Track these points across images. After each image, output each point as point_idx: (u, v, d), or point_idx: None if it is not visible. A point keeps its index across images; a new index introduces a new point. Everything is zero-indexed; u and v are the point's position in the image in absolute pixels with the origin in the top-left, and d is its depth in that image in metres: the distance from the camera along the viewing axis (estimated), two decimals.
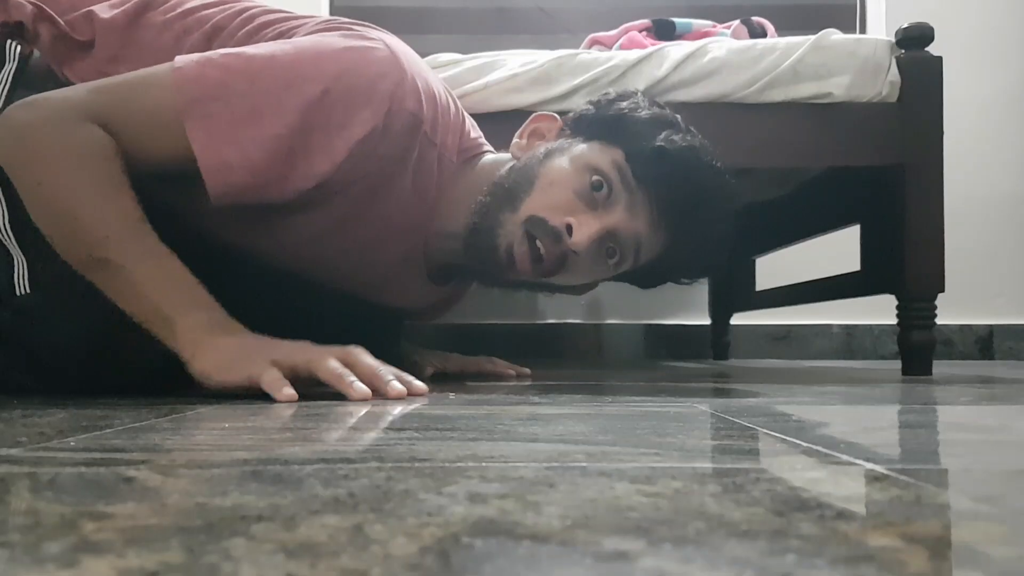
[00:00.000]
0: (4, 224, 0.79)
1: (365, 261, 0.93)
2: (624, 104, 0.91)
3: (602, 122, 0.90)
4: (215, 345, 0.73)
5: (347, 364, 0.73)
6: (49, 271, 0.78)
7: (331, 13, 2.32)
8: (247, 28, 0.91)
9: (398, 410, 0.63)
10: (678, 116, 0.93)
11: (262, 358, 0.72)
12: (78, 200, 0.74)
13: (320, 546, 0.23)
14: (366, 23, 0.90)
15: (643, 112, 0.90)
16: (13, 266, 0.78)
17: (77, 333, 0.76)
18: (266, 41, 0.88)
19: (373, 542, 0.24)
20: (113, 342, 0.77)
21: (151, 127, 0.77)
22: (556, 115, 0.96)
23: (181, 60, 0.79)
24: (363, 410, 0.63)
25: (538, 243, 0.86)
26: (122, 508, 0.28)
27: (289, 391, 0.69)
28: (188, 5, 0.94)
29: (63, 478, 0.34)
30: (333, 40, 0.82)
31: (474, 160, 0.94)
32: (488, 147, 0.97)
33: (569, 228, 0.84)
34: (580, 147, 0.89)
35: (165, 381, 0.83)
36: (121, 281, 0.74)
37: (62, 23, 0.91)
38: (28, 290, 0.77)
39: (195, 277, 0.75)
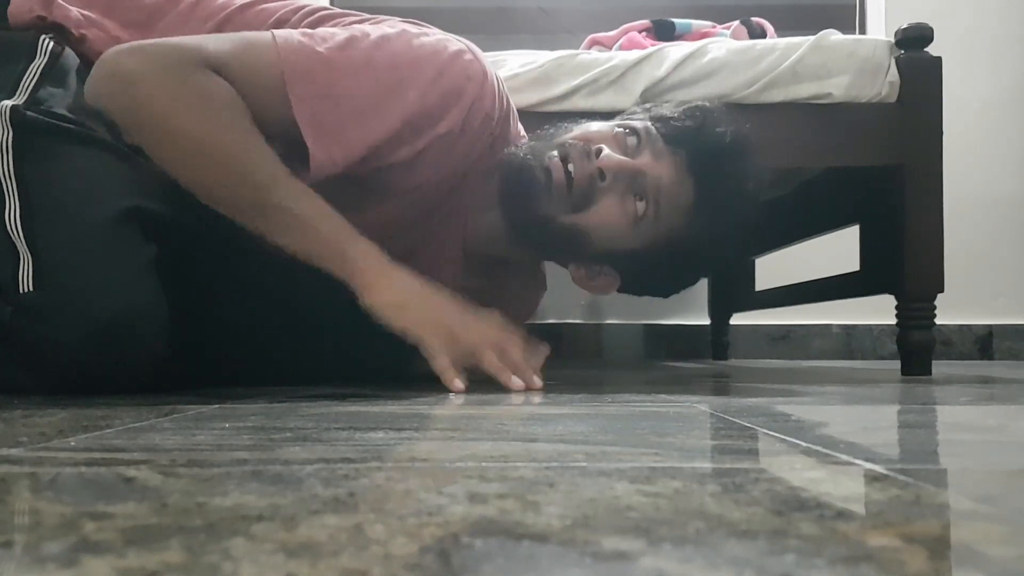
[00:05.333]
0: (15, 219, 0.79)
1: (408, 249, 0.97)
2: (652, 103, 1.02)
3: (634, 111, 0.99)
4: (391, 280, 0.82)
5: (502, 352, 0.84)
6: (53, 271, 0.78)
7: None
8: (310, 20, 0.94)
9: (398, 410, 0.63)
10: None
11: (440, 327, 0.82)
12: (234, 148, 0.80)
13: (320, 546, 0.23)
14: (424, 24, 0.94)
15: (672, 102, 0.99)
16: (18, 262, 0.78)
17: (74, 334, 0.76)
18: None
19: (373, 542, 0.24)
20: (112, 344, 0.77)
21: (259, 91, 0.82)
22: None
23: (281, 38, 0.83)
24: (363, 410, 0.63)
25: (569, 166, 0.89)
26: (122, 508, 0.28)
27: (460, 385, 0.81)
28: (242, 1, 0.97)
29: (63, 478, 0.34)
30: (424, 41, 0.87)
31: None
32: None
33: (599, 150, 0.89)
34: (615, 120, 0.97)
35: (164, 381, 0.84)
36: (288, 221, 0.80)
37: (111, 27, 0.93)
38: (31, 288, 0.77)
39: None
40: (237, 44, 0.84)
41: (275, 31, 0.84)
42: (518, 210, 0.93)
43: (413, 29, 0.89)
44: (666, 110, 0.95)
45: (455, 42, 0.89)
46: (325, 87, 0.82)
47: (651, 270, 0.97)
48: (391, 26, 0.89)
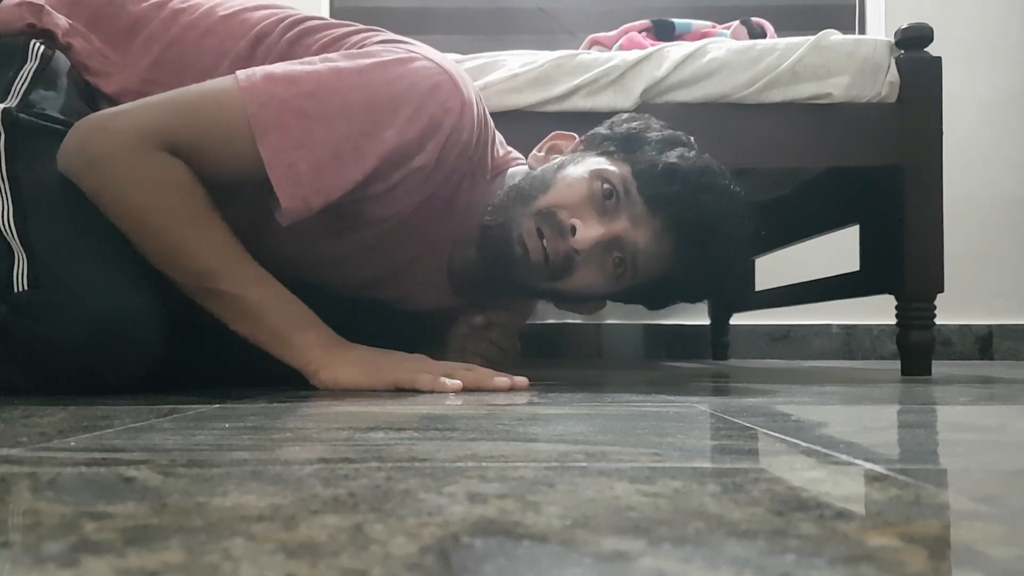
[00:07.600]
0: (9, 220, 0.79)
1: (392, 271, 0.98)
2: (636, 124, 0.96)
3: (614, 139, 0.95)
4: (343, 359, 0.83)
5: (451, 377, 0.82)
6: (48, 270, 0.78)
7: (331, 14, 2.32)
8: (289, 35, 0.93)
9: (398, 410, 0.63)
10: (691, 138, 0.95)
11: (401, 367, 0.83)
12: (180, 234, 0.80)
13: (320, 546, 0.23)
14: (408, 39, 0.92)
15: (654, 132, 0.94)
16: (13, 262, 0.78)
17: (72, 333, 0.76)
18: (311, 51, 0.90)
19: (373, 542, 0.24)
20: (108, 343, 0.77)
21: (227, 146, 0.81)
22: (575, 135, 1.01)
23: (247, 87, 0.81)
24: (363, 410, 0.63)
25: (544, 241, 0.88)
26: (122, 508, 0.28)
27: (454, 383, 0.80)
28: (225, 11, 0.96)
29: (63, 478, 0.34)
30: (401, 72, 0.84)
31: (500, 176, 0.97)
32: (518, 157, 1.00)
33: (574, 228, 0.87)
34: (593, 158, 0.93)
35: (163, 381, 0.84)
36: (235, 308, 0.82)
37: (96, 40, 0.94)
38: (26, 287, 0.77)
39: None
40: (200, 102, 0.82)
41: (239, 75, 0.82)
42: (499, 277, 0.93)
43: (391, 56, 0.85)
44: (650, 153, 0.90)
45: (435, 70, 0.85)
46: (298, 137, 0.80)
47: (637, 296, 0.98)
48: (369, 53, 0.86)
